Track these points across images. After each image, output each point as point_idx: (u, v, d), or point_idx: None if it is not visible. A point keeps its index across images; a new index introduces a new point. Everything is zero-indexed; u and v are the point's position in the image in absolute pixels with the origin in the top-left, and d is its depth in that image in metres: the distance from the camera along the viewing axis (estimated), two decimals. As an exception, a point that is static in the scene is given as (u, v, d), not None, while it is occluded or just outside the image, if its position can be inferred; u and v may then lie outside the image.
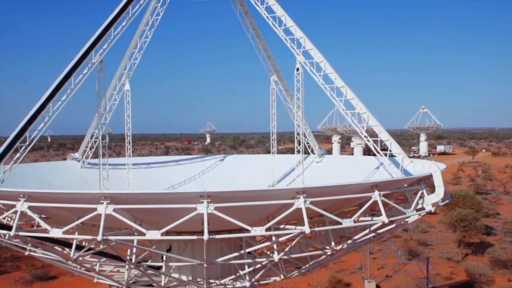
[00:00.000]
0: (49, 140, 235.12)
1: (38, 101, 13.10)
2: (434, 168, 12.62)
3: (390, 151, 13.67)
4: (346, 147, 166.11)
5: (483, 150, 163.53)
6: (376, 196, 11.19)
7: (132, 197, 10.71)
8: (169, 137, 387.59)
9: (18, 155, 13.03)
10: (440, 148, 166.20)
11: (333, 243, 12.22)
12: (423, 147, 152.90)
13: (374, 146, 13.87)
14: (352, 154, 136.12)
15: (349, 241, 12.78)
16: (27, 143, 13.06)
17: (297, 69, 15.19)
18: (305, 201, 10.41)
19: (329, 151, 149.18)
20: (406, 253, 45.47)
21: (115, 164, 21.30)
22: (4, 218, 12.07)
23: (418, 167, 13.38)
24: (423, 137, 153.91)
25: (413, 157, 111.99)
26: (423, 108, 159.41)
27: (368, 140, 13.93)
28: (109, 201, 10.06)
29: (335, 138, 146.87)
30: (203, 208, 10.01)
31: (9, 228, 11.55)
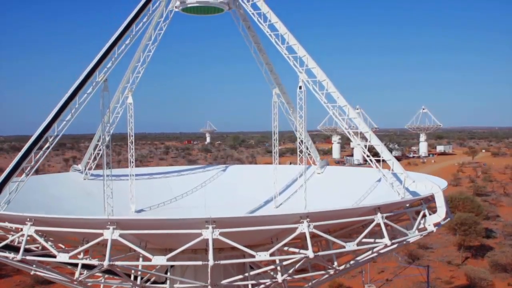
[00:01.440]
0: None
1: (44, 122, 13.23)
2: (436, 189, 12.76)
3: (392, 170, 13.82)
4: (346, 147, 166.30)
5: (483, 150, 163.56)
6: (379, 218, 11.32)
7: (138, 222, 10.84)
8: (169, 136, 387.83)
9: (23, 175, 13.14)
10: (440, 148, 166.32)
11: (335, 263, 12.35)
12: (423, 147, 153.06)
13: (376, 165, 14.01)
14: (352, 154, 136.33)
15: (352, 262, 12.95)
16: (32, 163, 13.17)
17: (300, 87, 15.29)
18: (308, 226, 10.53)
19: (329, 150, 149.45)
20: (406, 256, 45.61)
21: (117, 175, 21.37)
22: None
23: (420, 187, 13.48)
24: (423, 137, 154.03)
25: (413, 157, 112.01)
26: (423, 109, 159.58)
27: (371, 160, 14.08)
28: (115, 226, 10.18)
29: (335, 139, 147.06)
30: (208, 234, 10.14)
31: (15, 248, 11.70)
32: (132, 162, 20.12)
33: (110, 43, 14.44)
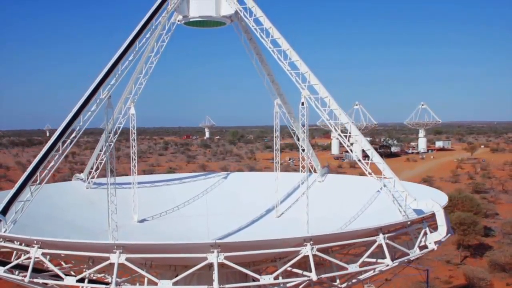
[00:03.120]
0: (47, 134, 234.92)
1: (49, 141, 13.36)
2: (437, 207, 12.92)
3: (395, 186, 14.00)
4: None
5: (482, 146, 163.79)
6: (381, 239, 11.51)
7: (145, 247, 11.00)
8: (168, 130, 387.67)
9: (28, 195, 13.28)
10: (439, 144, 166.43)
11: (338, 281, 12.54)
12: (422, 143, 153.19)
13: (378, 182, 14.21)
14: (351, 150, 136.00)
15: (354, 280, 13.16)
16: (38, 182, 13.31)
17: (302, 103, 15.41)
18: (312, 248, 10.70)
19: (328, 146, 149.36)
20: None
21: (120, 183, 21.46)
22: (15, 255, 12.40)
23: (421, 205, 13.60)
24: (422, 133, 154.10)
25: (412, 153, 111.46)
26: (422, 104, 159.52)
27: (372, 176, 14.27)
28: (121, 250, 10.34)
29: (334, 134, 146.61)
30: (214, 258, 10.31)
31: (21, 266, 11.90)
32: (135, 172, 20.23)
33: (113, 60, 14.48)
